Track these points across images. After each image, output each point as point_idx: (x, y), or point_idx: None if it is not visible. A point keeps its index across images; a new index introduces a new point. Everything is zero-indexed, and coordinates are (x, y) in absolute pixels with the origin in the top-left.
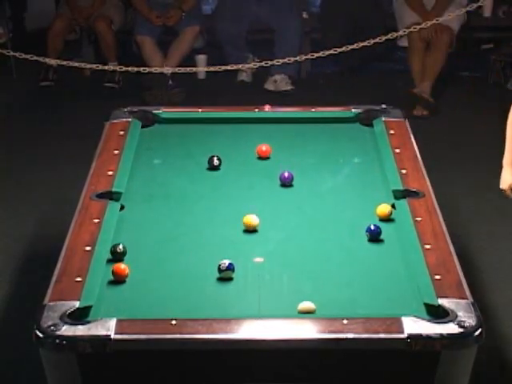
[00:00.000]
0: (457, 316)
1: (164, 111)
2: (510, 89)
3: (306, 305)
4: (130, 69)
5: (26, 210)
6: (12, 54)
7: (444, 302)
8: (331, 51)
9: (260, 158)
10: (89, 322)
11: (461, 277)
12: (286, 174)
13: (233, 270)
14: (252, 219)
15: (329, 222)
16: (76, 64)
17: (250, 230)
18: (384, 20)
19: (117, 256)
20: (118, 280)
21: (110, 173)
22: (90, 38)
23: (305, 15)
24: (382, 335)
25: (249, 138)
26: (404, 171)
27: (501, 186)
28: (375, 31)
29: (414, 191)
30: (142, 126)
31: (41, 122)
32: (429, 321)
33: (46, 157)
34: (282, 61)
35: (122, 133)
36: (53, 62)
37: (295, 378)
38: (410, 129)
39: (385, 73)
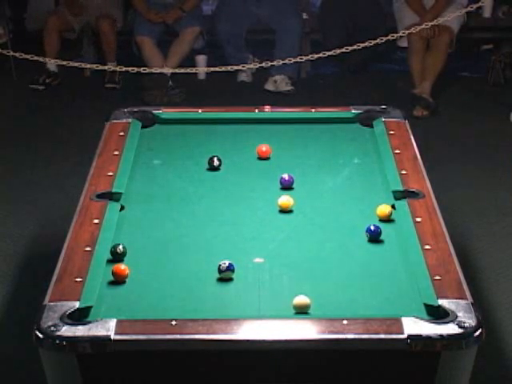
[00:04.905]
0: (457, 316)
1: (164, 112)
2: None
3: (301, 299)
4: (130, 69)
5: (25, 210)
6: (12, 54)
7: (444, 303)
8: (331, 52)
9: (260, 158)
10: (89, 323)
11: (461, 277)
12: (287, 177)
13: (233, 271)
14: (288, 200)
15: (329, 222)
16: (76, 64)
17: (286, 210)
18: (384, 20)
19: (117, 256)
20: (118, 280)
21: (110, 173)
22: (90, 38)
23: (305, 16)
24: (382, 336)
25: (249, 138)
26: (404, 172)
27: None
28: (375, 32)
29: (414, 192)
30: (142, 127)
31: (41, 122)
32: (429, 321)
33: (46, 157)
34: (282, 61)
35: (122, 133)
36: (53, 61)
37: (295, 379)
38: (409, 129)
39: (385, 73)
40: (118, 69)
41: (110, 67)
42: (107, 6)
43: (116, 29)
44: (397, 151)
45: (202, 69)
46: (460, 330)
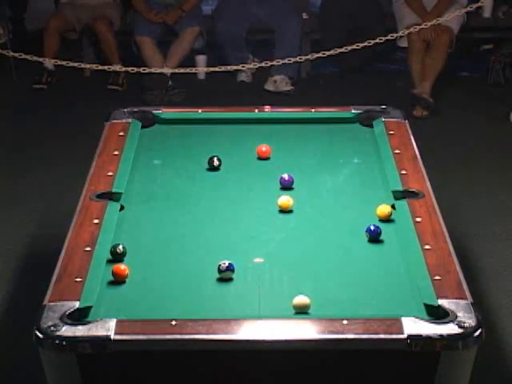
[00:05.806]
0: (457, 316)
1: (164, 112)
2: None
3: (301, 299)
4: (129, 69)
5: (25, 210)
6: (12, 54)
7: (444, 303)
8: (331, 52)
9: (260, 158)
10: (89, 323)
11: (461, 277)
12: (287, 177)
13: (233, 271)
14: (288, 200)
15: (329, 222)
16: (76, 64)
17: (286, 210)
18: (384, 20)
19: (117, 256)
20: (118, 280)
21: (110, 173)
22: (90, 39)
23: (305, 16)
24: (381, 336)
25: (249, 138)
26: (404, 172)
27: None
28: (375, 32)
29: (414, 191)
30: (142, 127)
31: (41, 122)
32: (429, 321)
33: (45, 157)
34: (281, 61)
35: (121, 133)
36: (52, 61)
37: (295, 379)
38: (409, 129)
39: (385, 73)
40: (117, 69)
41: (109, 67)
42: (103, 7)
43: (113, 30)
44: (397, 151)
45: (201, 69)
46: (460, 330)
